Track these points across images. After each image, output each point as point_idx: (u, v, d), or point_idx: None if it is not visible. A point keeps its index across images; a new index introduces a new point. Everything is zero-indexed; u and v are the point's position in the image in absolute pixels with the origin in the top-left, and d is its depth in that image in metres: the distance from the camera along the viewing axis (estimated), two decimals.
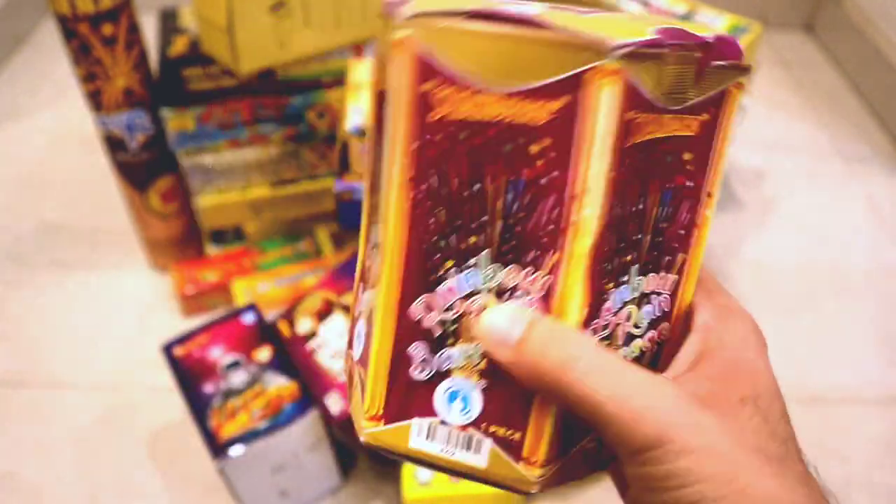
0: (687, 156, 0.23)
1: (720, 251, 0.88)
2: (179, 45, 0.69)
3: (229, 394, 0.55)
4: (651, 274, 0.24)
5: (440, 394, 0.23)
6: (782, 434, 0.22)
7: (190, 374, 0.57)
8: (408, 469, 0.56)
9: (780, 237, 0.91)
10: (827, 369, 0.75)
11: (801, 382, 0.74)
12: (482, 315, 0.21)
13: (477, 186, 0.21)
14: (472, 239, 0.21)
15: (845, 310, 0.82)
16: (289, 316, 0.61)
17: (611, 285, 0.22)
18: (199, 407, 0.54)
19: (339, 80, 0.70)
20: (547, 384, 0.21)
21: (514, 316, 0.21)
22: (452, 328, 0.22)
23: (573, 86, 0.20)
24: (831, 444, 0.68)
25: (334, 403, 0.54)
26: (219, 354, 0.58)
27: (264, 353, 0.58)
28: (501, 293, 0.22)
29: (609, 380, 0.20)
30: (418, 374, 0.23)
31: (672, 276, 0.24)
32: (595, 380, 0.20)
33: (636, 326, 0.23)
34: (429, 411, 0.23)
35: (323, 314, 0.59)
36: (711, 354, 0.23)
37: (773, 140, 1.07)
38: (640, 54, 0.20)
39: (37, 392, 0.70)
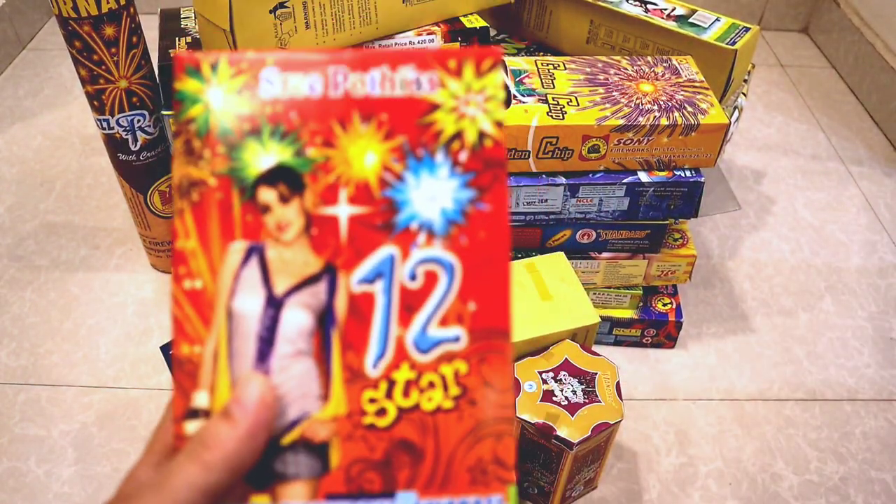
0: None
1: (718, 251, 0.88)
2: (181, 47, 0.69)
3: None
4: None
5: None
6: None
7: None
8: None
9: (778, 237, 0.91)
10: (824, 368, 0.76)
11: (798, 381, 0.74)
12: None
13: None
14: None
15: (842, 309, 0.82)
16: None
17: None
18: None
19: None
20: None
21: None
22: None
23: None
24: (829, 442, 0.69)
25: None
26: None
27: None
28: None
29: None
30: None
31: None
32: None
33: None
34: None
35: None
36: None
37: (771, 141, 1.07)
38: None
39: (37, 391, 0.71)
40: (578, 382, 0.56)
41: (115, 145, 0.71)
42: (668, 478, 0.65)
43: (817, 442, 0.69)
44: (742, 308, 0.81)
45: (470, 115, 0.25)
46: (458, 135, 0.25)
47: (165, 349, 0.59)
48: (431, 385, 0.24)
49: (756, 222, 0.93)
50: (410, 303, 0.24)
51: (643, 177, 0.64)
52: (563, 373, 0.57)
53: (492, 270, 0.24)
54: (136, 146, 0.71)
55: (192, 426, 0.24)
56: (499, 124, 0.25)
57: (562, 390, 0.56)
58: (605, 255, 0.70)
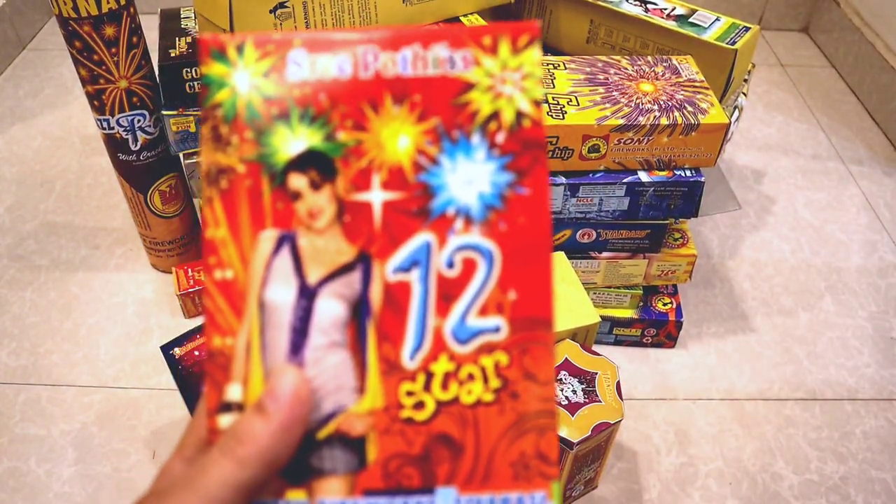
0: None
1: (718, 251, 0.88)
2: (181, 46, 0.69)
3: None
4: None
5: None
6: None
7: (190, 375, 0.57)
8: None
9: (778, 237, 0.91)
10: (824, 368, 0.76)
11: (798, 381, 0.74)
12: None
13: None
14: None
15: (842, 309, 0.82)
16: None
17: None
18: None
19: None
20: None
21: None
22: None
23: None
24: (829, 442, 0.69)
25: None
26: None
27: None
28: None
29: None
30: None
31: None
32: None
33: None
34: None
35: None
36: None
37: (771, 141, 1.08)
38: None
39: (38, 391, 0.71)
40: (579, 382, 0.56)
41: (115, 145, 0.71)
42: (668, 477, 0.66)
43: (817, 442, 0.69)
44: (742, 308, 0.81)
45: (507, 94, 0.24)
46: (495, 115, 0.24)
47: (166, 349, 0.59)
48: (471, 377, 0.23)
49: (756, 222, 0.93)
50: (448, 292, 0.23)
51: (643, 176, 0.64)
52: (563, 372, 0.57)
53: (533, 258, 0.23)
54: (136, 146, 0.71)
55: (225, 420, 0.23)
56: (537, 103, 0.24)
57: (562, 390, 0.56)
58: (605, 254, 0.71)
